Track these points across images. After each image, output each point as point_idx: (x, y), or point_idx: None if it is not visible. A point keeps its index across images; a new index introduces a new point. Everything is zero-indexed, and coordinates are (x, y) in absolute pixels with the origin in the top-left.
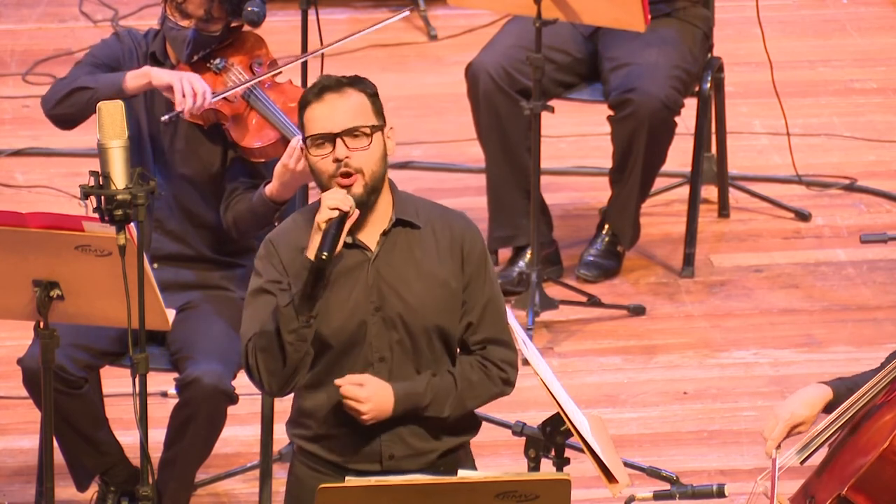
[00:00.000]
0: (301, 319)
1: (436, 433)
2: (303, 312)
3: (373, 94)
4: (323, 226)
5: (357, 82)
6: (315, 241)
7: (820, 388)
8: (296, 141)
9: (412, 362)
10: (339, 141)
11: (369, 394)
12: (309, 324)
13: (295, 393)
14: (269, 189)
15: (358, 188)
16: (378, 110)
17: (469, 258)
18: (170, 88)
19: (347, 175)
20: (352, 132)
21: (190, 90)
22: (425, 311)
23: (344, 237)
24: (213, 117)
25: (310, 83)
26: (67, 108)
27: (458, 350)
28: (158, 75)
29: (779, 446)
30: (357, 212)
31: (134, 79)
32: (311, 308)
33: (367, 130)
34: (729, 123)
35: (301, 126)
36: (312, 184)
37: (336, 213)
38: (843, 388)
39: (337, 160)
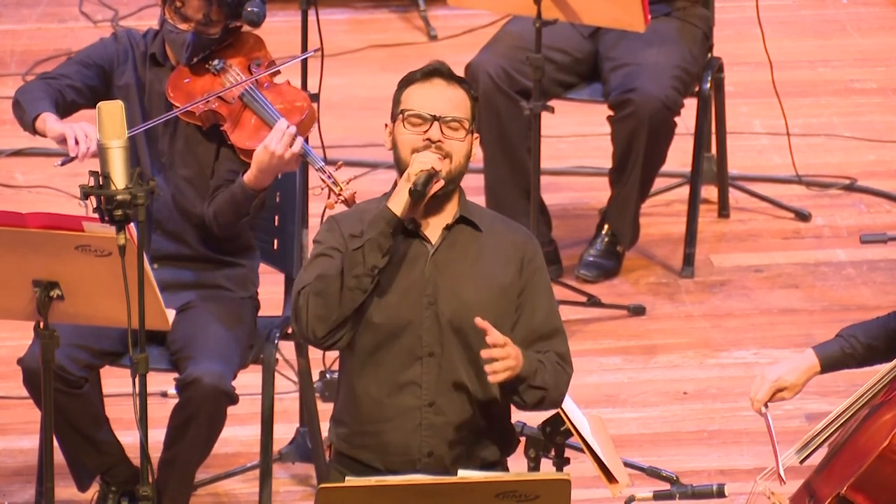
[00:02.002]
0: (367, 266)
1: (478, 439)
2: (371, 259)
3: (475, 99)
4: (413, 176)
5: (464, 82)
6: (401, 190)
7: (809, 360)
8: (280, 124)
9: (461, 359)
10: (437, 124)
11: (511, 347)
12: (372, 273)
13: (339, 387)
14: (248, 176)
15: (444, 171)
16: (475, 115)
17: (528, 266)
18: (62, 138)
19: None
20: (451, 121)
21: (83, 136)
22: (479, 310)
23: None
24: (211, 118)
25: (310, 84)
26: (17, 114)
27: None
28: (52, 127)
29: (766, 406)
30: (443, 182)
31: (40, 121)
32: (378, 258)
33: (466, 125)
34: (729, 123)
35: (396, 102)
36: (312, 186)
37: (429, 168)
38: (836, 353)
39: (429, 140)
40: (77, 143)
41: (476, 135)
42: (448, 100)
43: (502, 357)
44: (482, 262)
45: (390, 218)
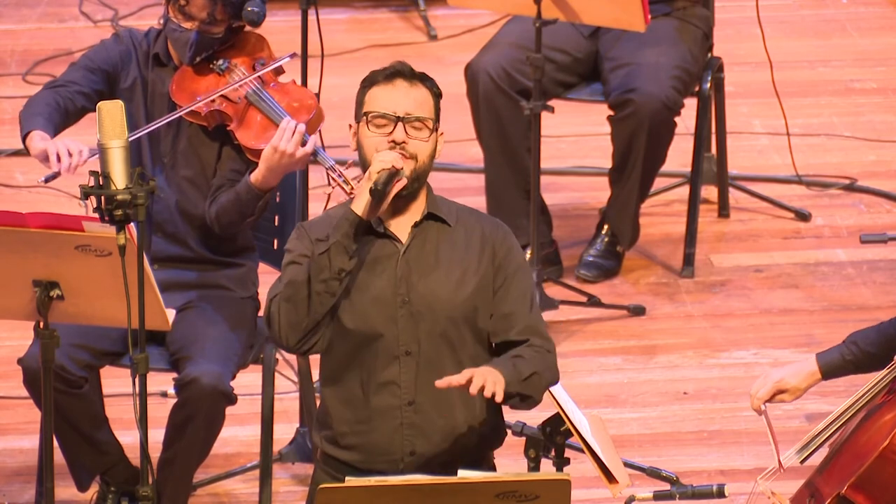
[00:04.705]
0: (333, 269)
1: (461, 434)
2: (337, 262)
3: (438, 95)
4: (374, 175)
5: (426, 80)
6: (363, 191)
7: (811, 366)
8: (286, 123)
9: (441, 355)
10: (400, 125)
11: (475, 372)
12: (340, 276)
13: (320, 391)
14: (255, 175)
15: (407, 170)
16: (438, 113)
17: (499, 250)
18: (45, 156)
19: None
20: (414, 121)
21: (65, 151)
22: (453, 302)
23: (391, 196)
24: (217, 118)
25: (310, 84)
26: (21, 124)
27: (495, 348)
28: (35, 146)
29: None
30: (405, 181)
31: (28, 140)
32: (345, 260)
33: (430, 125)
34: (729, 123)
35: (359, 103)
36: (312, 186)
37: (389, 167)
38: (836, 360)
39: (394, 142)
40: (59, 159)
41: (441, 132)
42: (412, 100)
43: (479, 385)
44: (454, 257)
45: (353, 219)
